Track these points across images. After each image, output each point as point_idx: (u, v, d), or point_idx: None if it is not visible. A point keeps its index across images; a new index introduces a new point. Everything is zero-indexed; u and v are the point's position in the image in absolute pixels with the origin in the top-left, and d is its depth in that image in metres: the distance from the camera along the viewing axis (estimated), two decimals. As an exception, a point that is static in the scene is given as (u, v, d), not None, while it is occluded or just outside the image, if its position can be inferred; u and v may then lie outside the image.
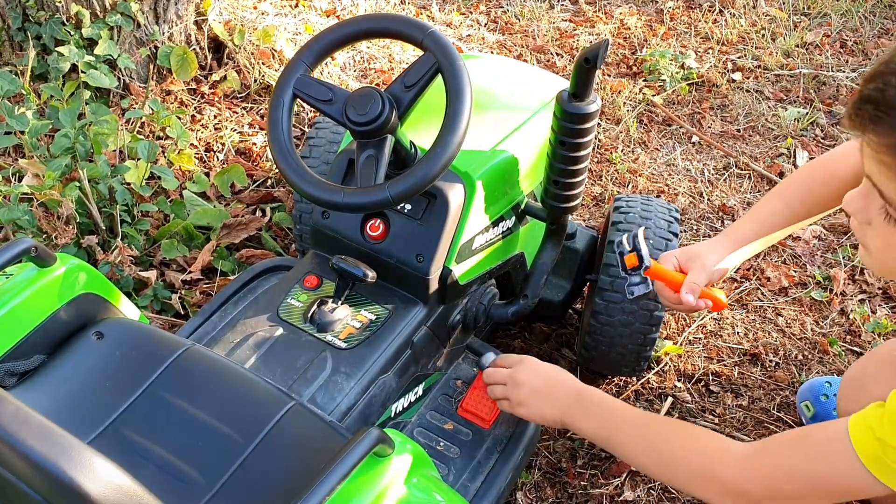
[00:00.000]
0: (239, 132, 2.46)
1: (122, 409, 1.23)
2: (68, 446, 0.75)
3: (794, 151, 2.59)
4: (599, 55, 1.29)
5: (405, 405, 1.53)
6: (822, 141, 2.65)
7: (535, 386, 1.41)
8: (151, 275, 1.97)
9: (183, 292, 1.96)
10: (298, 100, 1.35)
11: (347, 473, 0.97)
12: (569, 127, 1.41)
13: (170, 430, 1.21)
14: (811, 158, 2.57)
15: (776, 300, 2.10)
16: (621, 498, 1.67)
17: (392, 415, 1.49)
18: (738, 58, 3.03)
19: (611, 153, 2.57)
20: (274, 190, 2.26)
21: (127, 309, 1.44)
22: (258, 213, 2.18)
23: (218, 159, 2.37)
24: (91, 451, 0.77)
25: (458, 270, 1.50)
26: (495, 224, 1.57)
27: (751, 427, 1.80)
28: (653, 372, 1.90)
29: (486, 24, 3.21)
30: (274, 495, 1.13)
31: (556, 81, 1.79)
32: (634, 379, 1.89)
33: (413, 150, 1.40)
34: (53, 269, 1.28)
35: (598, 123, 2.69)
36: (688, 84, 2.86)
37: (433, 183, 1.41)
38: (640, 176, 2.48)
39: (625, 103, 2.77)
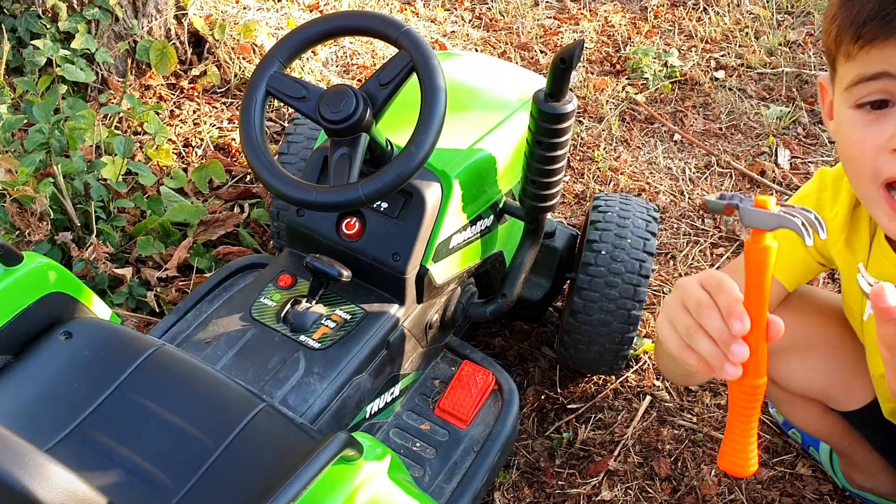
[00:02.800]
0: (218, 127, 2.44)
1: (90, 410, 1.21)
2: (22, 453, 0.73)
3: (776, 150, 2.59)
4: (575, 55, 1.28)
5: (381, 406, 1.51)
6: (803, 139, 2.65)
7: None
8: (127, 272, 1.95)
9: (158, 290, 1.94)
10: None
11: (312, 479, 0.95)
12: (545, 127, 1.40)
13: (138, 432, 1.19)
14: (793, 157, 2.57)
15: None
16: (599, 497, 1.66)
17: (367, 416, 1.48)
18: (722, 56, 3.02)
19: (593, 151, 2.56)
20: (253, 186, 2.24)
21: (98, 308, 1.42)
22: (236, 210, 2.16)
23: (196, 155, 2.35)
24: (47, 459, 0.75)
25: (435, 269, 1.49)
26: (473, 223, 1.56)
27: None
28: (632, 370, 1.90)
29: (470, 21, 3.19)
30: (242, 499, 1.11)
31: (535, 80, 1.78)
32: (613, 377, 1.89)
33: (389, 148, 1.39)
34: (20, 268, 1.26)
35: (580, 121, 2.68)
36: (671, 82, 2.86)
37: (409, 181, 1.41)
38: (621, 174, 2.48)
39: (608, 101, 2.76)
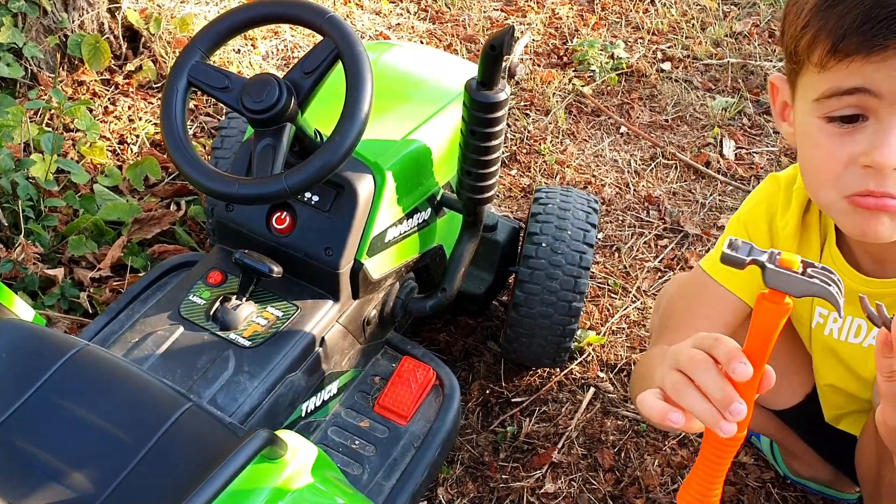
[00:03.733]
0: (154, 123, 2.38)
1: (7, 414, 1.16)
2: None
3: (721, 141, 2.61)
4: (505, 41, 1.26)
5: (317, 404, 1.48)
6: (748, 130, 2.66)
7: None
8: (59, 273, 1.89)
9: (92, 290, 1.89)
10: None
11: (231, 478, 0.92)
12: (478, 116, 1.38)
13: (59, 435, 1.15)
14: (738, 148, 2.58)
15: (700, 289, 2.10)
16: (542, 490, 1.65)
17: (303, 414, 1.44)
18: (668, 48, 3.03)
19: (539, 144, 2.55)
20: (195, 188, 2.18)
21: (20, 309, 1.36)
22: (172, 207, 2.11)
23: (132, 152, 2.29)
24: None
25: (371, 264, 1.46)
26: (409, 216, 1.53)
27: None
28: (576, 362, 1.89)
29: (415, 13, 3.16)
30: (166, 500, 1.08)
31: (472, 69, 1.75)
32: (558, 370, 1.87)
33: (318, 138, 1.36)
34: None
35: (527, 114, 2.67)
36: (617, 74, 2.86)
37: (340, 173, 1.38)
38: (567, 167, 2.47)
39: (554, 94, 2.75)
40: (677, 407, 0.77)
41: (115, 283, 1.92)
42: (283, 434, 1.04)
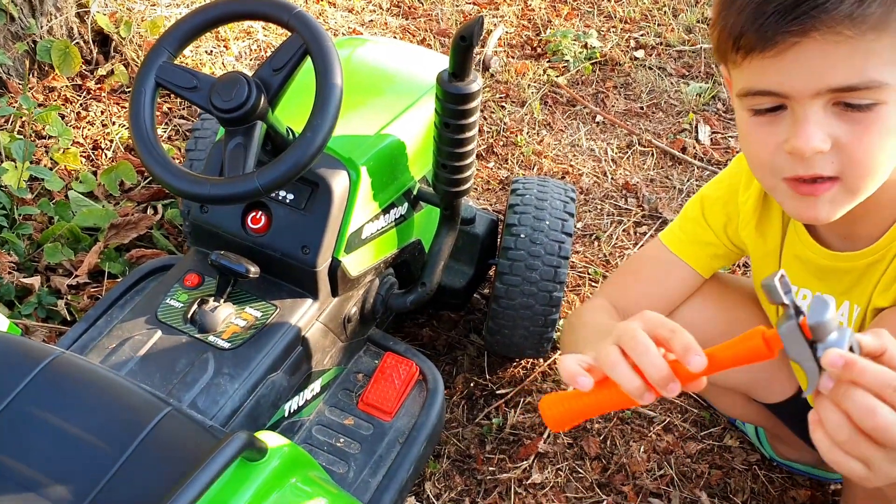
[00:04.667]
0: (128, 128, 2.35)
1: (-18, 426, 1.15)
2: None
3: (696, 126, 2.61)
4: (475, 32, 1.25)
5: (300, 404, 1.47)
6: (723, 115, 2.67)
7: None
8: (35, 281, 1.87)
9: (69, 297, 1.87)
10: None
11: (210, 482, 0.92)
12: (451, 108, 1.37)
13: (35, 445, 1.13)
14: (713, 133, 2.59)
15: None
16: (530, 480, 1.65)
17: (286, 414, 1.43)
18: (641, 35, 3.04)
19: (516, 136, 2.55)
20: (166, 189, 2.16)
21: (-6, 320, 1.35)
22: (149, 212, 2.09)
23: (106, 157, 2.27)
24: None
25: (349, 261, 1.45)
26: (386, 211, 1.52)
27: (655, 402, 1.80)
28: (559, 352, 1.89)
29: (388, 9, 3.15)
30: (147, 507, 1.06)
31: (444, 62, 1.75)
32: (541, 360, 1.87)
33: (291, 136, 1.35)
34: None
35: (503, 106, 2.66)
36: (591, 63, 2.86)
37: (314, 170, 1.37)
38: (545, 158, 2.47)
39: (529, 85, 2.75)
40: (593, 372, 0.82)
41: (92, 290, 1.90)
42: (263, 435, 1.03)
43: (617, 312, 1.27)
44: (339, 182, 1.39)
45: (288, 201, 1.40)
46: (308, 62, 1.24)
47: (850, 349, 0.69)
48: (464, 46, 1.28)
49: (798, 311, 0.71)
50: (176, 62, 1.29)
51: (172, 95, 2.49)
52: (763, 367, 1.37)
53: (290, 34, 1.23)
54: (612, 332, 0.82)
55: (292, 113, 1.36)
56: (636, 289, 1.33)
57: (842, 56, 0.84)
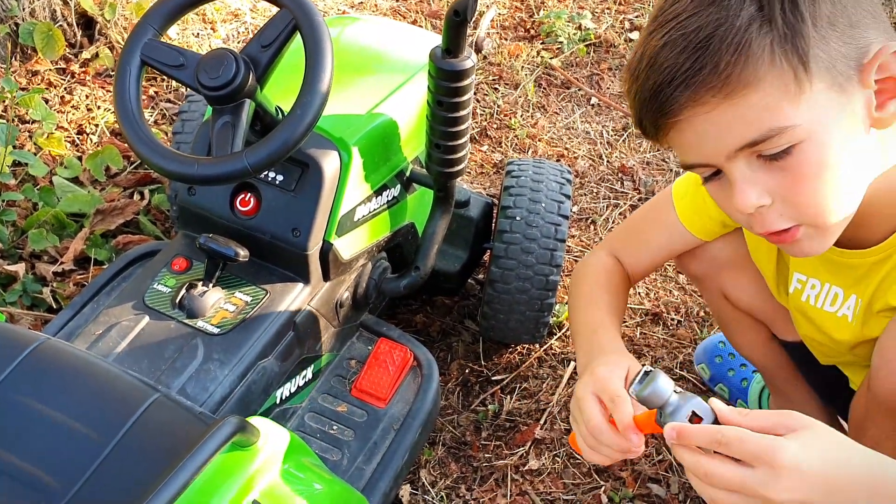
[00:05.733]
0: (113, 112, 2.31)
1: (-35, 415, 1.11)
2: None
3: (692, 109, 2.58)
4: (469, 6, 1.22)
5: (292, 390, 1.44)
6: (718, 97, 2.64)
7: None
8: (19, 268, 1.83)
9: (55, 285, 1.83)
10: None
11: (201, 467, 0.89)
12: (445, 86, 1.34)
13: (20, 434, 1.10)
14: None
15: (677, 258, 2.09)
16: (527, 467, 1.63)
17: (277, 401, 1.40)
18: (636, 17, 3.00)
19: (510, 119, 2.51)
20: (153, 171, 2.12)
21: (-24, 307, 1.32)
22: (136, 197, 2.05)
23: (91, 142, 2.22)
24: None
25: (341, 244, 1.42)
26: (378, 193, 1.49)
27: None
28: (555, 338, 1.86)
29: (379, -8, 3.10)
30: (136, 494, 1.03)
31: (436, 41, 1.71)
32: (537, 346, 1.85)
33: (280, 115, 1.31)
34: None
35: (496, 88, 2.63)
36: (585, 45, 2.82)
37: (304, 150, 1.33)
38: (539, 141, 2.43)
39: (523, 67, 2.71)
40: None
41: (79, 277, 1.86)
42: (254, 420, 1.00)
43: (618, 268, 1.33)
44: (329, 162, 1.35)
45: (277, 183, 1.36)
46: (297, 40, 1.21)
47: (694, 413, 0.83)
48: (457, 21, 1.25)
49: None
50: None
51: (159, 78, 2.45)
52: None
53: (278, 10, 1.20)
54: (584, 379, 1.02)
55: (281, 93, 1.32)
56: (641, 250, 1.34)
57: (728, 118, 0.85)
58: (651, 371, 0.85)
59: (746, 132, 0.85)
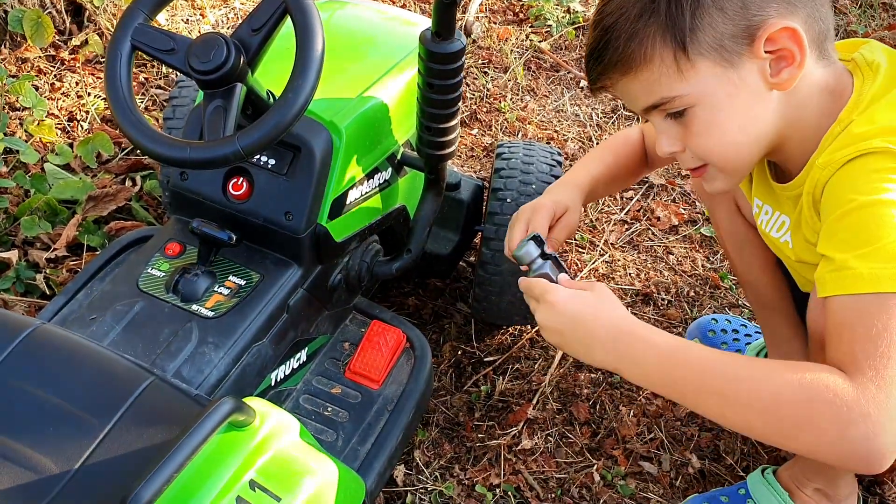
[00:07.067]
0: (103, 98, 2.31)
1: (-39, 400, 1.12)
2: None
3: (681, 91, 2.59)
4: (458, -12, 1.22)
5: (287, 373, 1.45)
6: (707, 79, 2.65)
7: (563, 332, 1.13)
8: (12, 255, 1.83)
9: (48, 271, 1.83)
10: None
11: (198, 447, 0.90)
12: (435, 68, 1.34)
13: (17, 418, 1.11)
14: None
15: (667, 239, 2.10)
16: (520, 447, 1.65)
17: (272, 384, 1.42)
18: (624, 0, 3.00)
19: (500, 102, 2.52)
20: (144, 157, 2.13)
21: (-29, 293, 1.32)
22: (128, 183, 2.05)
23: (82, 129, 2.22)
24: None
25: (333, 227, 1.43)
26: (370, 176, 1.50)
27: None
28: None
29: (368, -24, 3.09)
30: (133, 476, 1.04)
31: (426, 24, 1.71)
32: (529, 327, 1.86)
33: (271, 99, 1.31)
34: None
35: (485, 72, 2.63)
36: (574, 28, 2.83)
37: (296, 134, 1.34)
38: (529, 124, 2.44)
39: (512, 51, 2.72)
40: None
41: (72, 263, 1.87)
42: (250, 401, 1.01)
43: (637, 140, 1.54)
44: (321, 146, 1.36)
45: (269, 166, 1.37)
46: (287, 25, 1.21)
47: (548, 275, 1.18)
48: (447, 3, 1.25)
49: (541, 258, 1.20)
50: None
51: (149, 64, 2.44)
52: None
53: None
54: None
55: (272, 78, 1.32)
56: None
57: (633, 88, 1.09)
58: (533, 237, 1.20)
59: (648, 98, 1.08)
